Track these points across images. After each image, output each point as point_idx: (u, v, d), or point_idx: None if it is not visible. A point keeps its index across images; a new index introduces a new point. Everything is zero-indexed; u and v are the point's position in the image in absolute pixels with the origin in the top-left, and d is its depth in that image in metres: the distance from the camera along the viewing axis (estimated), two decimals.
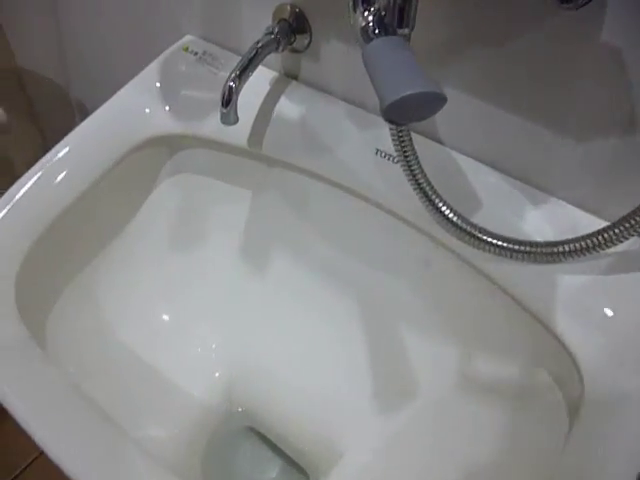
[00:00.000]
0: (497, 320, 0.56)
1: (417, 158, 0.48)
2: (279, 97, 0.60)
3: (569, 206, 0.49)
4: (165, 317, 0.68)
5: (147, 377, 0.66)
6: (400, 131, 0.46)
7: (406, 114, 0.33)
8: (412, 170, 0.47)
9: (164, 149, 0.66)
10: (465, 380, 0.60)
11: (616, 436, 0.42)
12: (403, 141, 0.47)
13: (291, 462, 0.72)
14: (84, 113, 0.96)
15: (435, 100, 0.32)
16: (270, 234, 0.70)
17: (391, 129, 0.46)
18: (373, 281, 0.64)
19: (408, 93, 0.31)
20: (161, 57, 0.64)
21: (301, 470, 0.71)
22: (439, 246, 0.54)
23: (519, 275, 0.50)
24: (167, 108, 0.62)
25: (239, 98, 0.54)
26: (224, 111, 0.53)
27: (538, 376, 0.54)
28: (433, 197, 0.48)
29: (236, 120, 0.54)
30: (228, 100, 0.52)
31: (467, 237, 0.49)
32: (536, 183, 0.50)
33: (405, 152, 0.47)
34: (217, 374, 0.69)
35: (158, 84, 0.62)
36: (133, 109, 0.62)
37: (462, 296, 0.57)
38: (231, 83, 0.52)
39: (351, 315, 0.67)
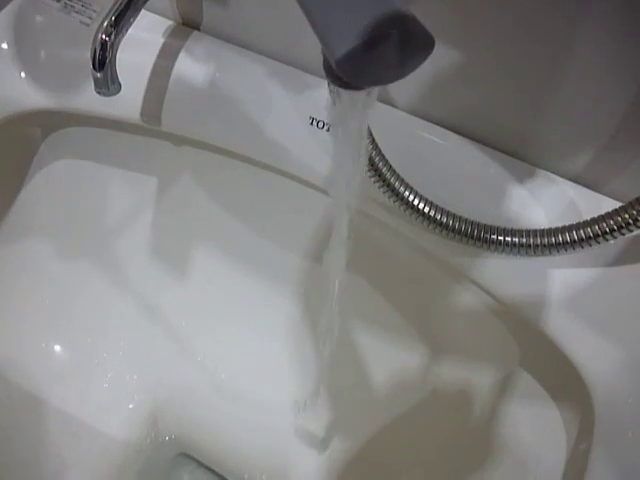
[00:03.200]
0: (472, 321, 0.46)
1: (369, 130, 0.35)
2: (177, 54, 0.45)
3: (563, 180, 0.39)
4: (57, 347, 0.54)
5: (49, 425, 0.53)
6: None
7: (370, 70, 0.21)
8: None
9: (32, 130, 0.51)
10: (434, 389, 0.50)
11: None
12: None
13: None
14: None
15: (417, 43, 0.20)
16: (185, 228, 0.56)
17: (332, 92, 0.33)
18: (319, 278, 0.53)
19: (372, 34, 0.18)
20: (9, 6, 0.47)
21: None
22: (400, 237, 0.43)
23: (499, 270, 0.39)
24: (23, 75, 0.46)
25: (120, 57, 0.39)
26: (98, 76, 0.38)
27: (521, 383, 0.45)
28: (392, 181, 0.37)
29: (117, 89, 0.39)
30: (102, 60, 0.37)
31: (438, 228, 0.38)
32: (522, 154, 0.39)
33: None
34: (131, 405, 0.57)
35: (5, 45, 0.46)
36: None
37: (430, 294, 0.47)
38: (103, 36, 0.37)
39: (294, 320, 0.56)
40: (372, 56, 0.21)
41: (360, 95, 0.27)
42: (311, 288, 0.53)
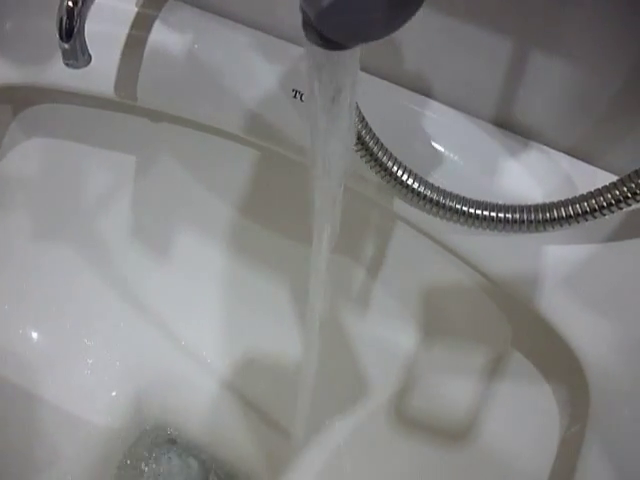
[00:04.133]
0: (463, 301, 0.44)
1: (356, 105, 0.33)
2: (151, 23, 0.42)
3: (556, 153, 0.37)
4: (34, 334, 0.52)
5: (27, 415, 0.52)
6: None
7: (354, 25, 0.19)
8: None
9: (1, 108, 0.48)
10: (424, 371, 0.49)
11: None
12: None
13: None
14: None
15: None
16: (169, 207, 0.55)
17: (311, 57, 0.31)
18: (305, 256, 0.51)
19: None
20: None
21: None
22: (388, 214, 0.41)
23: (491, 247, 0.38)
24: None
25: (90, 27, 0.36)
26: (65, 47, 0.36)
27: (513, 364, 0.44)
28: (380, 155, 0.35)
29: (87, 60, 0.37)
30: (68, 29, 0.35)
31: (428, 205, 0.36)
32: (514, 126, 0.38)
33: None
34: (114, 392, 0.55)
35: None
36: None
37: (421, 274, 0.45)
38: (69, 3, 0.34)
39: (280, 302, 0.54)
40: (356, 8, 0.19)
41: (343, 57, 0.25)
42: (297, 269, 0.52)
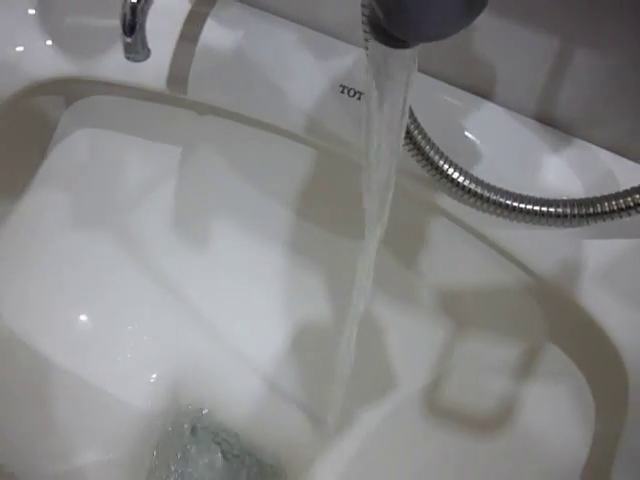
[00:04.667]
0: (501, 294, 0.45)
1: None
2: (204, 20, 0.44)
3: (599, 149, 0.38)
4: (83, 317, 0.54)
5: (72, 394, 0.54)
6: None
7: (422, 24, 0.20)
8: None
9: (56, 98, 0.50)
10: (458, 363, 0.50)
11: None
12: None
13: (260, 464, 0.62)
14: None
15: None
16: (209, 199, 0.56)
17: (372, 53, 0.32)
18: (343, 251, 0.52)
19: None
20: None
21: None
22: (428, 207, 0.42)
23: (534, 241, 0.39)
24: (49, 43, 0.45)
25: (148, 22, 0.38)
26: (128, 41, 0.37)
27: (550, 356, 0.45)
28: (431, 153, 0.36)
29: (147, 54, 0.39)
30: (132, 24, 0.37)
31: (472, 199, 0.37)
32: (557, 122, 0.39)
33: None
34: (154, 375, 0.57)
35: (32, 10, 0.45)
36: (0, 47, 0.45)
37: (458, 266, 0.46)
38: (133, 0, 0.36)
39: (316, 292, 0.55)
40: (425, 7, 0.20)
41: (403, 55, 0.26)
42: (338, 262, 0.53)
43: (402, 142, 0.34)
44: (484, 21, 0.36)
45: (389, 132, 0.30)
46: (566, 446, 0.42)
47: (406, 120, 0.33)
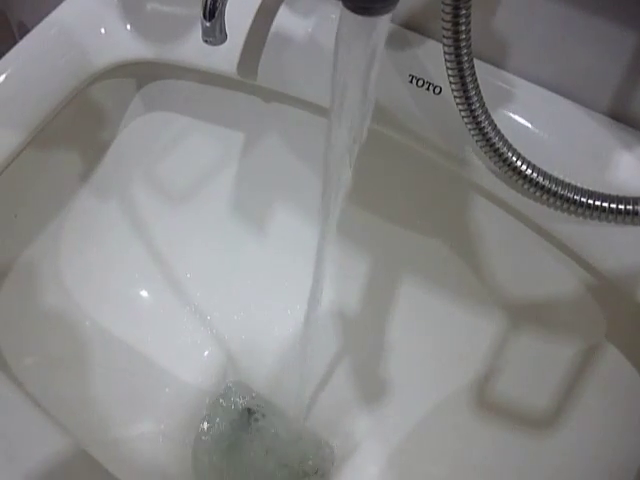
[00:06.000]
0: (558, 291, 0.45)
1: (479, 90, 0.35)
2: (277, 9, 0.45)
3: None
4: (144, 293, 0.56)
5: (128, 365, 0.56)
6: (457, 47, 0.33)
7: None
8: (471, 108, 0.35)
9: (129, 80, 0.52)
10: (510, 358, 0.50)
11: None
12: (460, 62, 0.34)
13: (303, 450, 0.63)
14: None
15: None
16: (270, 184, 0.58)
17: (448, 46, 0.33)
18: (399, 240, 0.53)
19: None
20: None
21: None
22: (494, 203, 0.43)
23: (598, 238, 0.38)
24: (129, 27, 0.47)
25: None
26: (207, 25, 0.39)
27: (606, 356, 0.44)
28: (500, 145, 0.36)
29: (224, 38, 0.40)
30: (212, 10, 0.38)
31: (540, 194, 0.37)
32: (626, 117, 0.38)
33: (463, 81, 0.34)
34: (206, 352, 0.59)
35: None
36: (85, 29, 0.47)
37: (516, 261, 0.46)
38: None
39: (371, 279, 0.56)
40: None
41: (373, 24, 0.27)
42: (388, 247, 0.53)
43: (371, 106, 0.34)
44: (557, 10, 0.36)
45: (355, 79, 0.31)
46: (620, 447, 0.42)
47: (373, 82, 0.33)
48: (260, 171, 0.57)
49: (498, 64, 0.41)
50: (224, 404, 0.62)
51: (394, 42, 0.43)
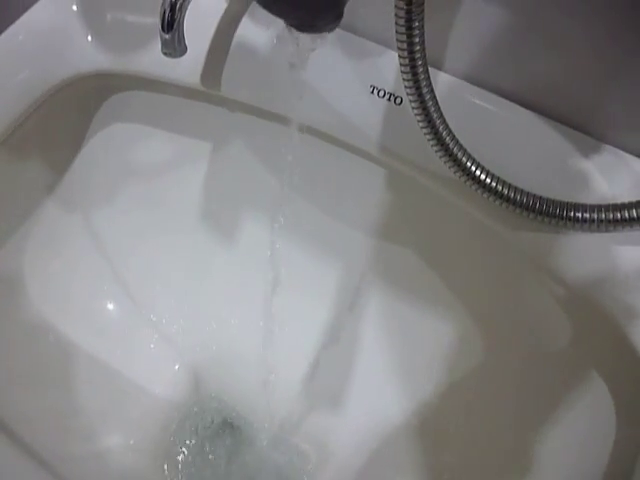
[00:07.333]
0: (526, 296, 0.45)
1: (435, 100, 0.35)
2: (239, 19, 0.45)
3: (630, 156, 0.38)
4: (110, 306, 0.56)
5: (96, 380, 0.55)
6: (413, 59, 0.33)
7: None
8: (428, 117, 0.35)
9: (93, 92, 0.52)
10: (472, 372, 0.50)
11: None
12: (416, 74, 0.34)
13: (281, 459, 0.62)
14: None
15: None
16: (237, 194, 0.57)
17: (402, 57, 0.33)
18: (369, 249, 0.53)
19: None
20: None
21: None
22: (458, 210, 0.43)
23: (561, 247, 0.39)
24: (89, 38, 0.47)
25: (185, 20, 0.39)
26: (166, 37, 0.38)
27: (573, 366, 0.44)
28: (458, 154, 0.36)
29: (183, 50, 0.40)
30: (170, 21, 0.38)
31: (504, 203, 0.37)
32: (588, 128, 0.39)
33: (419, 91, 0.34)
34: (177, 366, 0.58)
35: (75, 6, 0.47)
36: (43, 40, 0.46)
37: (480, 269, 0.47)
38: None
39: (344, 289, 0.56)
40: None
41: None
42: (363, 260, 0.53)
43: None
44: (514, 21, 0.37)
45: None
46: (584, 459, 0.42)
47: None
48: (227, 181, 0.56)
49: (455, 74, 0.41)
50: (195, 417, 0.62)
51: (356, 53, 0.43)
